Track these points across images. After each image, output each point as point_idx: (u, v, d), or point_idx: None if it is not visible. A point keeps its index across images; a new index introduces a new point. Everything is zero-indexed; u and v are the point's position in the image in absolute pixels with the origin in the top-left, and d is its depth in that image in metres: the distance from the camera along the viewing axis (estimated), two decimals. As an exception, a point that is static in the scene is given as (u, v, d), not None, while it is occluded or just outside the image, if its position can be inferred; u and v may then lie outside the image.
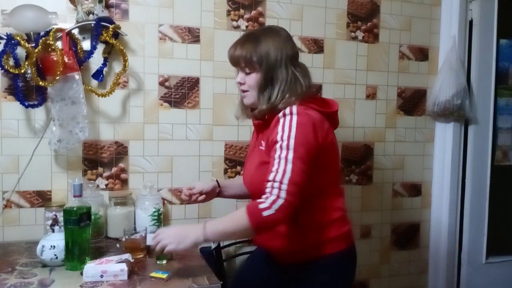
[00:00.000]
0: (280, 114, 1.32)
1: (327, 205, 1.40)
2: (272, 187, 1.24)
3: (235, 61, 1.42)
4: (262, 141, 1.41)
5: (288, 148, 1.26)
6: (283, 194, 1.23)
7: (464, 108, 2.21)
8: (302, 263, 1.40)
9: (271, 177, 1.26)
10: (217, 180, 1.63)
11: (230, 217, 1.31)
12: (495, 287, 2.43)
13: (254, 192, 1.40)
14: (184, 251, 1.32)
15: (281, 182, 1.24)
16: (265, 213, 1.22)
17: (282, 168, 1.25)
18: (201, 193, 1.55)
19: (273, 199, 1.23)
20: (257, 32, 1.44)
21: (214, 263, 1.79)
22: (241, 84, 1.42)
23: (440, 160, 2.33)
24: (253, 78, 1.39)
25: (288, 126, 1.29)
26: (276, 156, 1.27)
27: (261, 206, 1.23)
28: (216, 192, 1.60)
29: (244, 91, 1.43)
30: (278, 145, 1.28)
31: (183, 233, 1.29)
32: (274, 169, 1.26)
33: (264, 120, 1.41)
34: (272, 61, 1.36)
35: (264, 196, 1.25)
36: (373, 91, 2.22)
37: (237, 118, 1.58)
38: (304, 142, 1.28)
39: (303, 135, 1.28)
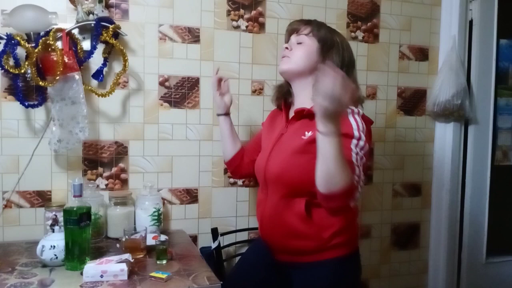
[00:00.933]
0: (349, 110, 1.32)
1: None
2: (359, 181, 1.26)
3: (296, 29, 1.44)
4: (307, 132, 1.37)
5: (362, 149, 1.30)
6: (359, 188, 1.26)
7: (464, 108, 2.21)
8: (306, 264, 1.40)
9: (357, 172, 1.25)
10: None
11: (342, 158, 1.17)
12: (495, 287, 2.43)
13: (284, 183, 1.38)
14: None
15: (359, 177, 1.26)
16: (357, 193, 1.24)
17: (360, 167, 1.28)
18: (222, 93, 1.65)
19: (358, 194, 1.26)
20: (325, 24, 1.48)
21: (214, 263, 1.79)
22: (287, 49, 1.44)
23: (440, 160, 2.33)
24: (307, 45, 1.41)
25: (361, 126, 1.32)
26: (354, 153, 1.28)
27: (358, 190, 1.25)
28: (228, 106, 1.69)
29: (285, 57, 1.44)
30: (354, 142, 1.29)
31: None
32: (354, 163, 1.26)
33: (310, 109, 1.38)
34: (347, 58, 1.43)
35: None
36: (373, 91, 2.22)
37: (272, 101, 1.64)
38: (367, 144, 1.33)
39: (369, 139, 1.35)
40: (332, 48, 1.41)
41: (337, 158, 1.12)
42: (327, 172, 1.14)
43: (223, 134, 1.72)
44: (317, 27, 1.44)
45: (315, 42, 1.42)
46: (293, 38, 1.46)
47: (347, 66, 1.43)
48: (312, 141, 1.30)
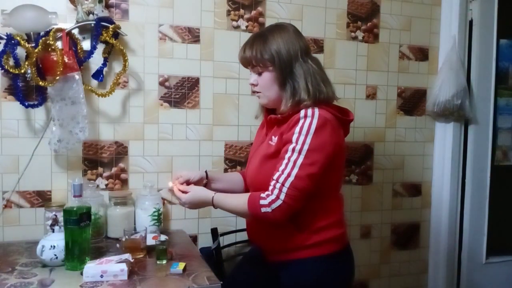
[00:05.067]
0: (301, 115, 1.32)
1: (326, 207, 1.40)
2: (274, 187, 1.29)
3: (246, 62, 1.43)
4: (274, 137, 1.40)
5: (300, 153, 1.28)
6: (282, 196, 1.27)
7: (464, 108, 2.21)
8: (293, 261, 1.40)
9: (275, 176, 1.30)
10: (206, 171, 1.60)
11: (235, 198, 1.39)
12: (495, 287, 2.43)
13: (257, 188, 1.40)
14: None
15: (283, 184, 1.27)
16: (263, 210, 1.28)
17: (288, 171, 1.28)
18: (187, 183, 1.51)
19: (272, 198, 1.28)
20: (264, 31, 1.45)
21: (214, 263, 1.79)
22: (253, 85, 1.44)
23: (440, 160, 2.33)
24: (266, 78, 1.40)
25: (306, 129, 1.30)
26: (286, 157, 1.30)
27: (261, 202, 1.29)
28: (203, 183, 1.56)
29: (257, 92, 1.45)
30: (291, 147, 1.30)
31: (199, 202, 1.43)
32: (280, 169, 1.30)
33: (282, 116, 1.39)
34: (285, 56, 1.36)
35: (265, 193, 1.29)
36: (373, 91, 2.22)
37: (256, 117, 1.60)
38: (320, 147, 1.30)
39: (321, 139, 1.30)
40: (282, 58, 1.36)
41: (230, 209, 1.39)
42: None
43: (223, 190, 1.59)
44: (259, 51, 1.37)
45: (271, 69, 1.38)
46: (251, 69, 1.44)
47: (305, 54, 1.40)
48: (276, 147, 1.37)
